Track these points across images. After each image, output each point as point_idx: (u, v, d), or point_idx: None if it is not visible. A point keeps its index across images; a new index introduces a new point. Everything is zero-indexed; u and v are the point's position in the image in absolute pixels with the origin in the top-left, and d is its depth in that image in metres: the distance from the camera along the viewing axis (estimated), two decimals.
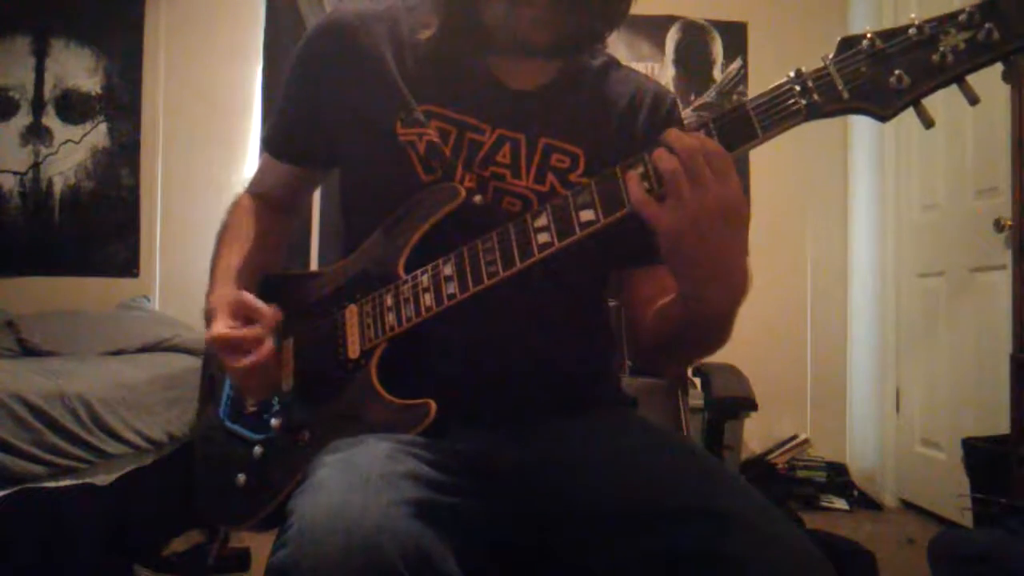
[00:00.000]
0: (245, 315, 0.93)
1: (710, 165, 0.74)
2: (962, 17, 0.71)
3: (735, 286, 0.81)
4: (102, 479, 2.03)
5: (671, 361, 1.02)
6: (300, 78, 1.03)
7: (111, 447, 2.07)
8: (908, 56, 0.73)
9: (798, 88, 0.75)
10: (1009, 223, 2.30)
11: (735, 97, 3.50)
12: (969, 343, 2.69)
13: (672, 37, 3.51)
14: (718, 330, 0.87)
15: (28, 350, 2.67)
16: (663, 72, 3.48)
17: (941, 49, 0.72)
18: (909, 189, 3.12)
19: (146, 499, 2.25)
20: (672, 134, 0.75)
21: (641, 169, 0.77)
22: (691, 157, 0.73)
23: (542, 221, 0.82)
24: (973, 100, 0.73)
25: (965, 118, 2.53)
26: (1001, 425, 2.20)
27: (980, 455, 2.16)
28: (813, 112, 0.75)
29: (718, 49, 3.53)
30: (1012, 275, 2.21)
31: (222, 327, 0.92)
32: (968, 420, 2.60)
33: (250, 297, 0.94)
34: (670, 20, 3.51)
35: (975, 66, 0.72)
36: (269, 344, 0.91)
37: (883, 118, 0.75)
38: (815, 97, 0.74)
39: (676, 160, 0.74)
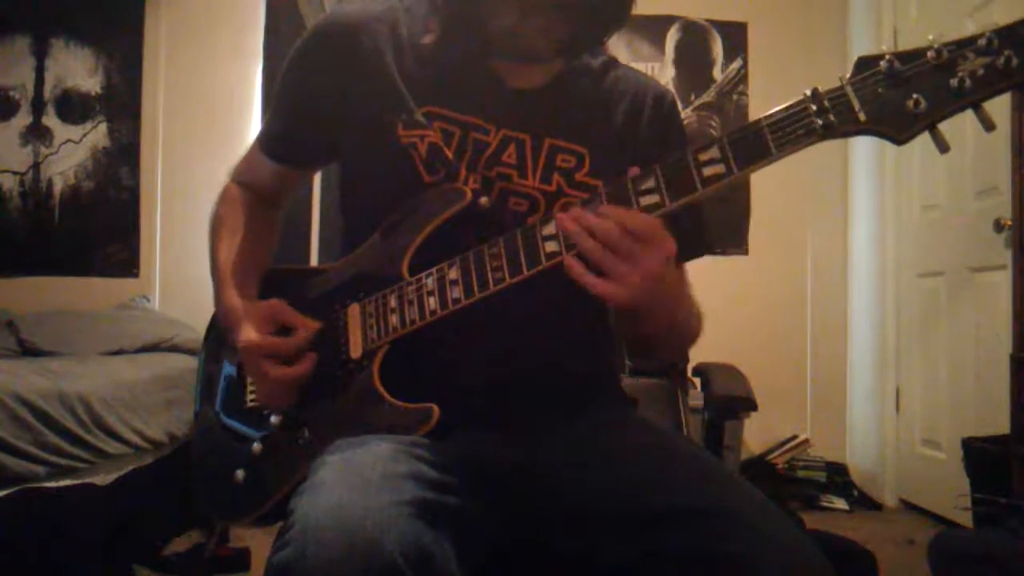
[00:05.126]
0: (281, 324, 0.93)
1: (639, 240, 0.75)
2: (981, 42, 0.70)
3: (668, 303, 0.84)
4: (102, 479, 2.03)
5: (651, 355, 1.05)
6: (297, 79, 1.02)
7: (111, 447, 2.07)
8: (926, 80, 0.72)
9: (814, 107, 0.74)
10: (1009, 223, 2.30)
11: (735, 97, 3.50)
12: (969, 343, 2.69)
13: (672, 37, 3.51)
14: (672, 335, 0.91)
15: (28, 350, 2.67)
16: (663, 72, 3.48)
17: (959, 74, 0.71)
18: (909, 189, 3.12)
19: (146, 499, 2.25)
20: (585, 219, 0.77)
21: (651, 182, 0.78)
22: (616, 241, 0.75)
23: (550, 229, 0.81)
24: (989, 127, 0.72)
25: (965, 118, 2.52)
26: (1001, 425, 2.20)
27: (980, 455, 2.16)
28: (829, 132, 0.74)
29: (718, 49, 3.53)
30: (1012, 275, 2.21)
31: (255, 335, 0.91)
32: (968, 420, 2.60)
33: (286, 307, 0.94)
34: (670, 20, 3.51)
35: (993, 92, 0.71)
36: (311, 358, 0.91)
37: (899, 142, 0.74)
38: (831, 118, 0.74)
39: (599, 245, 0.76)
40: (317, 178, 3.02)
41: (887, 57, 0.73)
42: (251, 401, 1.00)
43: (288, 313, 0.94)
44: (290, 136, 1.06)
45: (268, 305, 0.95)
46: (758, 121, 0.76)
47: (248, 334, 0.92)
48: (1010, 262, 2.25)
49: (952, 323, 2.82)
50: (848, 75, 0.75)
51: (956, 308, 2.80)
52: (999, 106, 2.20)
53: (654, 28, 3.49)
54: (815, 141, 0.75)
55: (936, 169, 2.92)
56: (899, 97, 0.73)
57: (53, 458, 1.86)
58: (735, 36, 3.53)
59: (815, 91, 0.75)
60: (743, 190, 3.42)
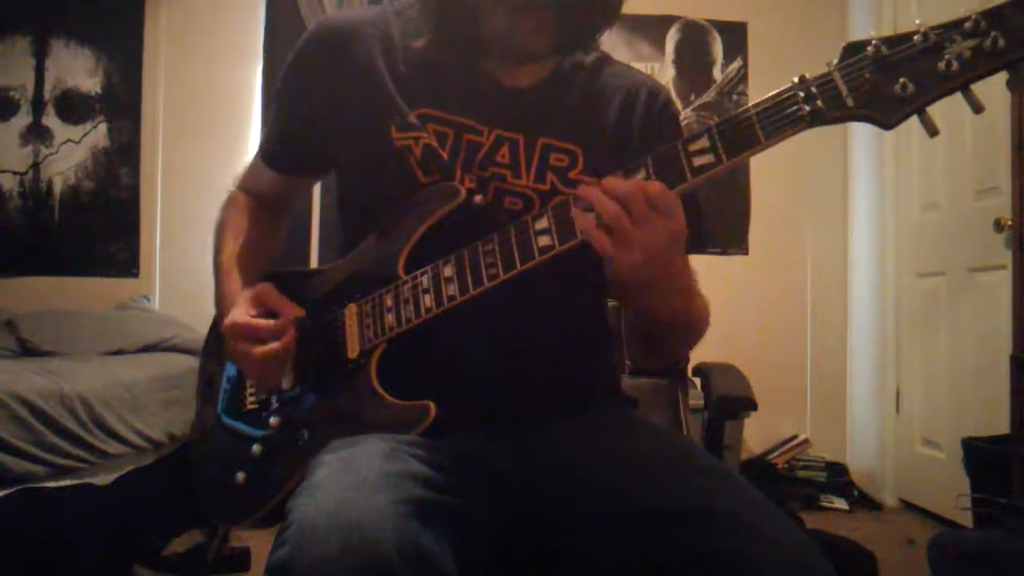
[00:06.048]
0: (266, 307, 0.94)
1: (654, 207, 0.75)
2: (968, 25, 0.70)
3: (679, 289, 0.85)
4: (102, 479, 2.02)
5: (657, 355, 1.04)
6: (291, 89, 1.04)
7: (111, 447, 2.07)
8: (913, 64, 0.72)
9: (802, 94, 0.74)
10: (1009, 223, 2.30)
11: (735, 97, 3.50)
12: (969, 343, 2.69)
13: (672, 37, 3.51)
14: (683, 324, 0.90)
15: (28, 350, 2.67)
16: (663, 72, 3.48)
17: (946, 57, 0.70)
18: (909, 189, 3.12)
19: (146, 499, 2.25)
20: (609, 183, 0.77)
21: (643, 174, 0.78)
22: (633, 204, 0.75)
23: (543, 223, 0.81)
24: (977, 108, 0.72)
25: (965, 117, 2.52)
26: (1001, 425, 2.20)
27: (980, 455, 2.15)
28: (817, 119, 0.74)
29: (718, 49, 3.52)
30: (1012, 275, 2.21)
31: (241, 314, 0.93)
32: (968, 420, 2.60)
33: (272, 290, 0.95)
34: (670, 20, 3.51)
35: (981, 74, 0.70)
36: (291, 334, 0.92)
37: (887, 126, 0.74)
38: (819, 104, 0.74)
39: (618, 206, 0.75)
40: None
41: (874, 42, 0.73)
42: (251, 403, 1.00)
43: (272, 297, 0.95)
44: (287, 145, 1.07)
45: (253, 289, 0.96)
46: (746, 109, 0.76)
47: (231, 316, 0.93)
48: (1010, 262, 2.25)
49: (952, 323, 2.82)
50: (835, 60, 0.75)
51: (956, 308, 2.80)
52: (998, 106, 2.20)
53: (654, 28, 3.49)
54: (803, 128, 0.75)
55: (936, 169, 2.92)
56: (886, 81, 0.72)
57: (53, 458, 1.86)
58: (735, 36, 3.53)
59: (802, 77, 0.75)
60: (743, 190, 3.43)
